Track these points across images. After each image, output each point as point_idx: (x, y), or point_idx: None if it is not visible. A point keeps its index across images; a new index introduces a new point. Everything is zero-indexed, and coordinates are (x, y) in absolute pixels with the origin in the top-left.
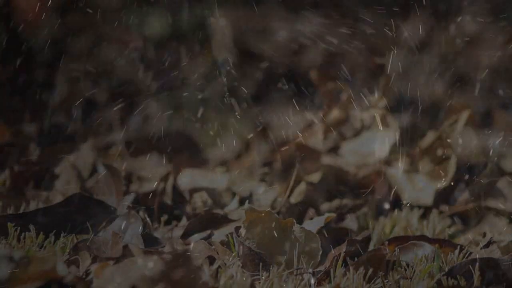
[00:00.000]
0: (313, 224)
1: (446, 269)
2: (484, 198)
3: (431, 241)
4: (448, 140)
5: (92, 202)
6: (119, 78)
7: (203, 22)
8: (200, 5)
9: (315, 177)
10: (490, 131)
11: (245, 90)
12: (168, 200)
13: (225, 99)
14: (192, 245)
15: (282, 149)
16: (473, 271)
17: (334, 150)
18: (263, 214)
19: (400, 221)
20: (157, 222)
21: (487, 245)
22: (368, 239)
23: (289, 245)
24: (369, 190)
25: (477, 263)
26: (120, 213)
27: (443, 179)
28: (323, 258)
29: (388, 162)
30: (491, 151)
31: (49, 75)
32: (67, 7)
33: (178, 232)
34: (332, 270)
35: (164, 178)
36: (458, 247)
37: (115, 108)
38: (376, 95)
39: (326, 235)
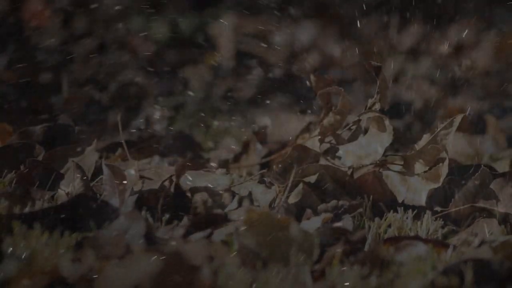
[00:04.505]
0: (310, 224)
1: (439, 269)
2: (477, 199)
3: (424, 241)
4: (442, 143)
5: (96, 202)
6: (123, 81)
7: (205, 27)
8: (202, 10)
9: (313, 178)
10: (483, 134)
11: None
12: (169, 200)
13: (225, 102)
14: (192, 244)
15: (281, 150)
16: (465, 271)
17: (331, 151)
18: (262, 214)
19: (394, 221)
20: (158, 221)
21: (479, 245)
22: (363, 239)
23: (287, 244)
24: (365, 191)
25: (470, 263)
26: (123, 212)
27: (437, 181)
28: (319, 257)
29: (383, 164)
30: (484, 153)
31: (55, 78)
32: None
33: (179, 231)
34: (328, 269)
35: (166, 179)
36: (451, 247)
37: (118, 111)
38: (372, 98)
39: (323, 235)
